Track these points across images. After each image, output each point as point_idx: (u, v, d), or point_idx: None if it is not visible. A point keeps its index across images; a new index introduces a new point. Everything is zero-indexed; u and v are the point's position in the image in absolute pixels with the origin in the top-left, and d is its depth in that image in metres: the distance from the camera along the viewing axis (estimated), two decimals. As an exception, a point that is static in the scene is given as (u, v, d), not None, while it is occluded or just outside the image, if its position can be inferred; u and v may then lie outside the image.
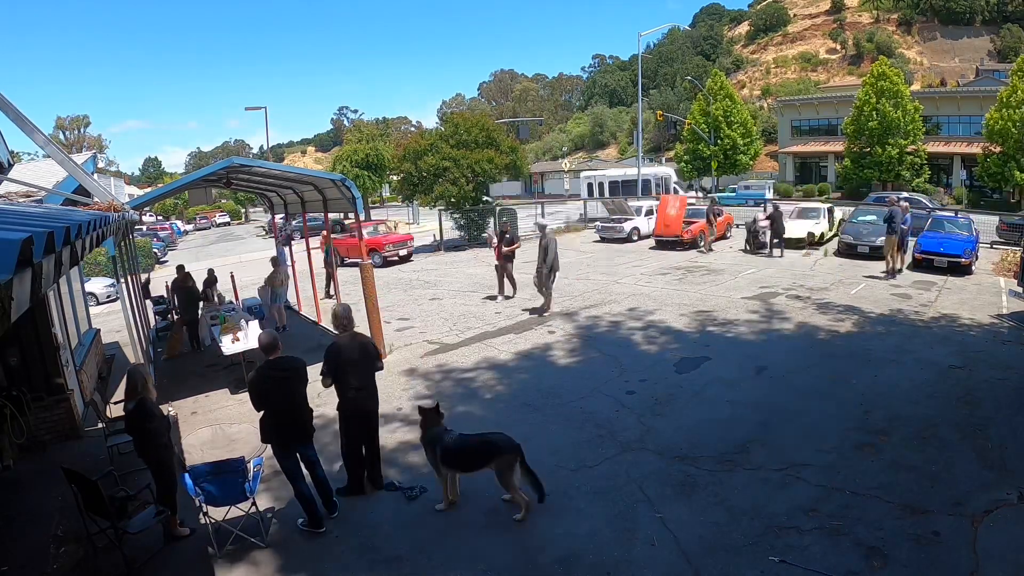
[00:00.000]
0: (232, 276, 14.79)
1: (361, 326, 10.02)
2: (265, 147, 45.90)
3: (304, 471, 5.01)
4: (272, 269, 12.00)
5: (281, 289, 12.01)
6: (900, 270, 13.64)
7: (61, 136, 70.10)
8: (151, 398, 5.02)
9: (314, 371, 5.31)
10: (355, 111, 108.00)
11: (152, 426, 4.84)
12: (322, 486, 5.08)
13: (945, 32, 64.53)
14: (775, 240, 16.72)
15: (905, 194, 23.89)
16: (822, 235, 17.83)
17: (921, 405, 6.68)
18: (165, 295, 13.13)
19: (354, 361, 5.22)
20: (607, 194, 31.56)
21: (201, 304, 11.38)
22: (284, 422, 4.84)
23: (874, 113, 32.87)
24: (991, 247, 17.03)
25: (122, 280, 8.48)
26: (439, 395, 7.81)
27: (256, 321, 9.61)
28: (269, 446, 5.00)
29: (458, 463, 5.00)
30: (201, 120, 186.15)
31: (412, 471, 5.89)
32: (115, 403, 7.34)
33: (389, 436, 6.69)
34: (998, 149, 29.03)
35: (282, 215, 15.47)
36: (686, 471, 5.54)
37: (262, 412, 4.86)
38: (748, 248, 17.82)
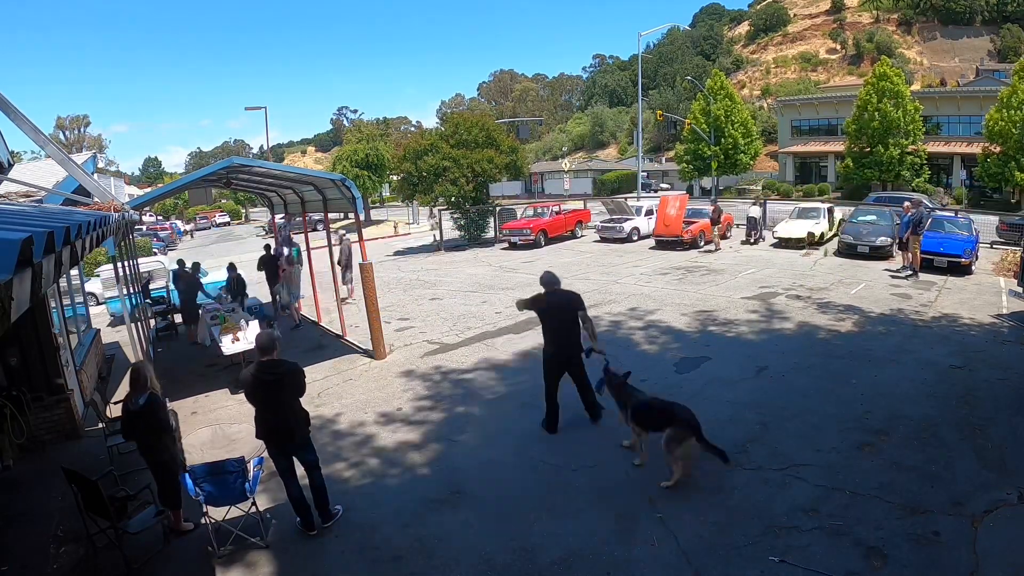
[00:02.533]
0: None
1: (361, 326, 10.06)
2: (265, 147, 45.91)
3: (302, 473, 4.97)
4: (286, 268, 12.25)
5: (295, 288, 12.28)
6: (905, 267, 13.78)
7: (61, 136, 70.18)
8: (158, 392, 5.04)
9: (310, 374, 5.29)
10: (355, 111, 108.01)
11: (165, 416, 4.90)
12: (318, 492, 4.96)
13: (945, 32, 64.53)
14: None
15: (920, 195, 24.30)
16: (822, 235, 17.84)
17: (921, 405, 6.67)
18: (166, 295, 13.26)
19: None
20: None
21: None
22: (273, 425, 4.76)
23: (876, 113, 32.88)
24: (991, 247, 17.03)
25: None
26: (439, 395, 7.81)
27: (256, 321, 9.61)
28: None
29: (643, 421, 5.46)
30: (201, 120, 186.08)
31: (412, 471, 5.89)
32: (115, 403, 7.34)
33: (390, 436, 6.68)
34: (998, 149, 29.03)
35: (282, 215, 15.48)
36: (686, 471, 5.54)
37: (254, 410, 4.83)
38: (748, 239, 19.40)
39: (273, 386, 4.68)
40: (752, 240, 19.28)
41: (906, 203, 14.95)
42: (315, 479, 4.96)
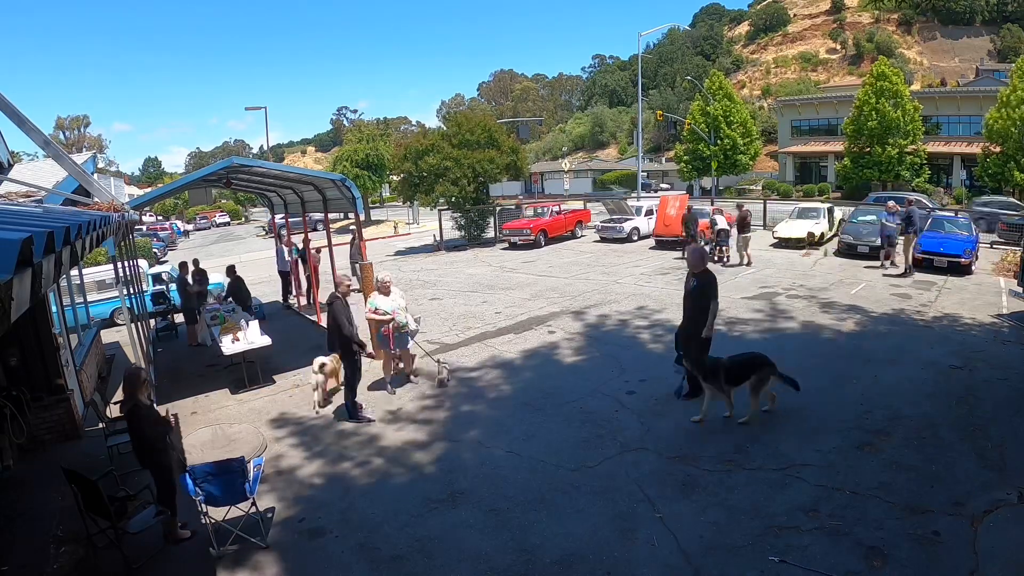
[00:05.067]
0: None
1: (361, 326, 10.02)
2: (265, 147, 45.91)
3: None
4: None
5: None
6: (894, 264, 13.74)
7: (61, 136, 70.15)
8: (145, 402, 4.97)
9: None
10: (355, 111, 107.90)
11: (144, 434, 4.77)
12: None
13: (945, 32, 64.54)
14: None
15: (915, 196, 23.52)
16: (822, 235, 17.84)
17: (921, 405, 6.67)
18: (166, 293, 13.34)
19: None
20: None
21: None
22: None
23: (874, 113, 32.87)
24: (991, 247, 17.03)
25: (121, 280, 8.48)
26: (439, 395, 7.81)
27: (256, 321, 9.59)
28: (269, 446, 4.98)
29: (733, 378, 6.37)
30: (202, 120, 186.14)
31: (413, 471, 5.89)
32: (115, 403, 7.34)
33: (390, 436, 6.68)
34: (998, 149, 29.03)
35: (282, 215, 15.49)
36: (686, 471, 5.54)
37: None
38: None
39: None
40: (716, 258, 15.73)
41: (889, 203, 14.73)
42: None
